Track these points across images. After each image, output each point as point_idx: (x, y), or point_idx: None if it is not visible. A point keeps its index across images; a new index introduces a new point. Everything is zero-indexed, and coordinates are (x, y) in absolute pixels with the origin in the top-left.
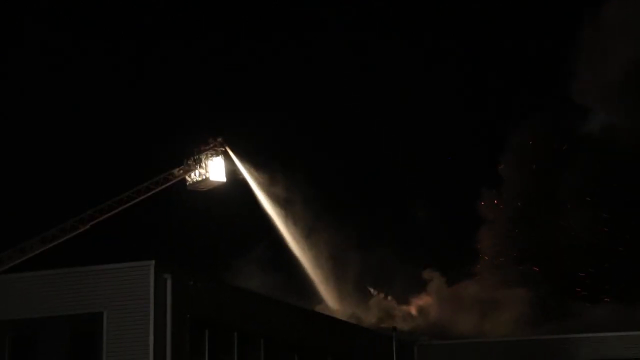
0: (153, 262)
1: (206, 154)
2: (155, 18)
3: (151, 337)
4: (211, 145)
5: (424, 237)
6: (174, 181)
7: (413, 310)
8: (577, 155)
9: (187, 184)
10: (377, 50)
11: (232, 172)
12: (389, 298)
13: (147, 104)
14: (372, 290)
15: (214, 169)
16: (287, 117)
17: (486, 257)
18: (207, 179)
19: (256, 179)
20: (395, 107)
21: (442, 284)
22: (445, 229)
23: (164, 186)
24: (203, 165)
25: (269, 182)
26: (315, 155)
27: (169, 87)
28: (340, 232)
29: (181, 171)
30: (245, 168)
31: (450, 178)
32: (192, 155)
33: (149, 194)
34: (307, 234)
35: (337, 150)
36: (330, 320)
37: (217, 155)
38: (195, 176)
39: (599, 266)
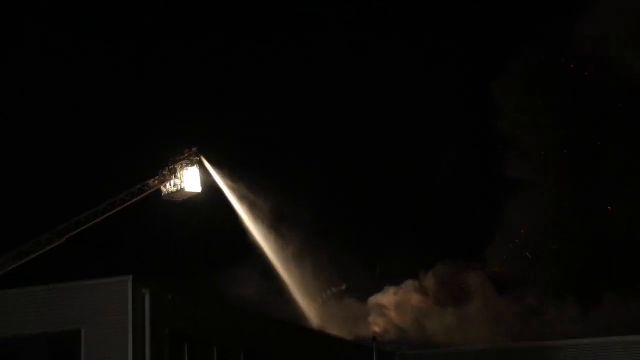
0: (130, 277)
1: (181, 164)
2: (155, 18)
3: (130, 353)
4: (186, 154)
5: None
6: (149, 192)
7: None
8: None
9: (162, 194)
10: (377, 50)
11: (208, 182)
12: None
13: (144, 106)
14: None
15: (188, 179)
16: (286, 117)
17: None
18: (182, 189)
19: (233, 188)
20: (395, 107)
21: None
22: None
23: (139, 197)
24: (178, 175)
25: (251, 191)
26: (313, 155)
27: (168, 88)
28: (334, 241)
29: (156, 181)
30: (225, 177)
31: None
32: (167, 165)
33: (124, 205)
34: (294, 247)
35: (336, 150)
36: (310, 332)
37: (192, 164)
38: (170, 186)
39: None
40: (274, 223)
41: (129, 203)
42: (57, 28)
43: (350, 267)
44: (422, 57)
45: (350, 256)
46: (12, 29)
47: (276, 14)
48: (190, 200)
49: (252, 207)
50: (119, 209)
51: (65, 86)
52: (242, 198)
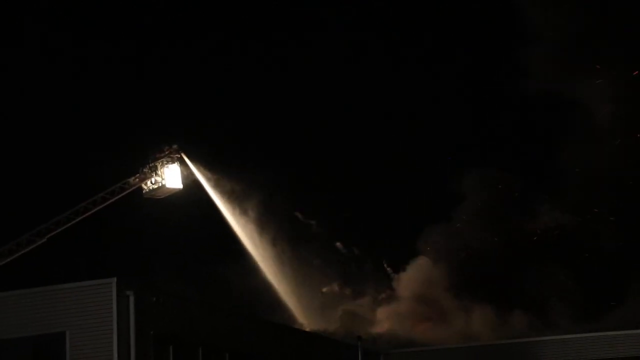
0: (115, 279)
1: (161, 161)
2: (155, 18)
3: (115, 355)
4: (166, 152)
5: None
6: (130, 190)
7: None
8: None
9: (144, 192)
10: (377, 50)
11: (189, 178)
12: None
13: (138, 106)
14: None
15: (169, 176)
16: (286, 116)
17: None
18: (163, 186)
19: (216, 185)
20: (395, 107)
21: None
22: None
23: (120, 195)
24: (159, 172)
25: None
26: (312, 154)
27: (165, 87)
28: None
29: (137, 179)
30: (215, 174)
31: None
32: (148, 163)
33: (105, 204)
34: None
35: (336, 150)
36: (296, 332)
37: (173, 162)
38: (151, 184)
39: None
40: (263, 220)
41: (110, 202)
42: (57, 28)
43: (349, 265)
44: (422, 57)
45: (349, 256)
46: (12, 29)
47: (276, 14)
48: (172, 197)
49: (241, 204)
50: (99, 207)
51: (64, 86)
52: (229, 194)
